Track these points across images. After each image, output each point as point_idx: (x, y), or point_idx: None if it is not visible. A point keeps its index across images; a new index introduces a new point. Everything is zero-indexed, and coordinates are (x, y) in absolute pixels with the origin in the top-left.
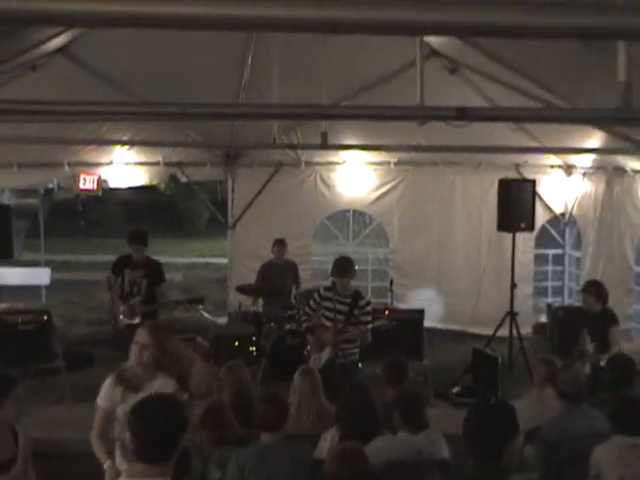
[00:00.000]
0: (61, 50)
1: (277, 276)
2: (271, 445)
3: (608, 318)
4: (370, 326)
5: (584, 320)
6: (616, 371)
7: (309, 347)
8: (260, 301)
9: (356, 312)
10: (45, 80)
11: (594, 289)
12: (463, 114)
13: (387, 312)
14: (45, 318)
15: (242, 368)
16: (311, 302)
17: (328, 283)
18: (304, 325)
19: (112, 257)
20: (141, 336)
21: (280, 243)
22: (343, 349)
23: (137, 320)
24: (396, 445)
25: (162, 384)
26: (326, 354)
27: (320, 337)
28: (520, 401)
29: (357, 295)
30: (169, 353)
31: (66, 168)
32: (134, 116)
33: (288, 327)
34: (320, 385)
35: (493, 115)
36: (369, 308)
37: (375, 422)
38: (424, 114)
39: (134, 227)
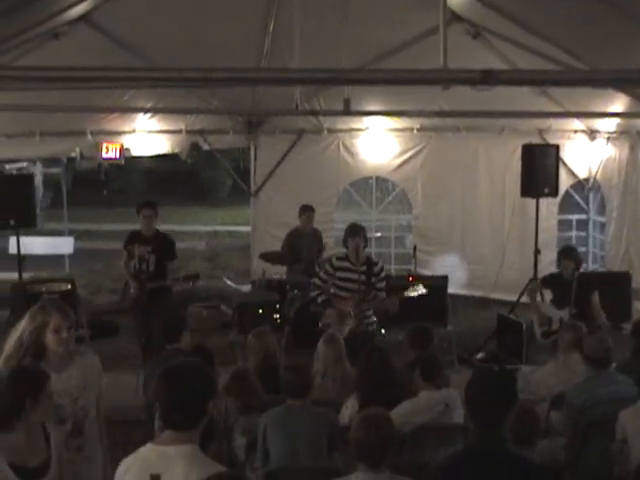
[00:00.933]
0: (83, 18)
1: (305, 243)
2: (294, 408)
3: (587, 286)
4: (384, 294)
5: (562, 286)
6: None
7: (325, 320)
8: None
9: (373, 279)
10: (67, 48)
11: (573, 254)
12: (488, 77)
13: (411, 279)
14: (69, 287)
15: (269, 335)
16: (322, 273)
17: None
18: (319, 299)
19: (135, 226)
20: (55, 319)
21: (310, 210)
22: (363, 318)
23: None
24: (422, 405)
25: (85, 361)
26: (347, 326)
27: (341, 309)
28: (545, 367)
29: (370, 262)
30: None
31: (89, 137)
32: (157, 82)
33: (312, 294)
34: (344, 352)
35: (518, 78)
36: (383, 274)
37: (395, 386)
38: (448, 77)
39: (148, 197)
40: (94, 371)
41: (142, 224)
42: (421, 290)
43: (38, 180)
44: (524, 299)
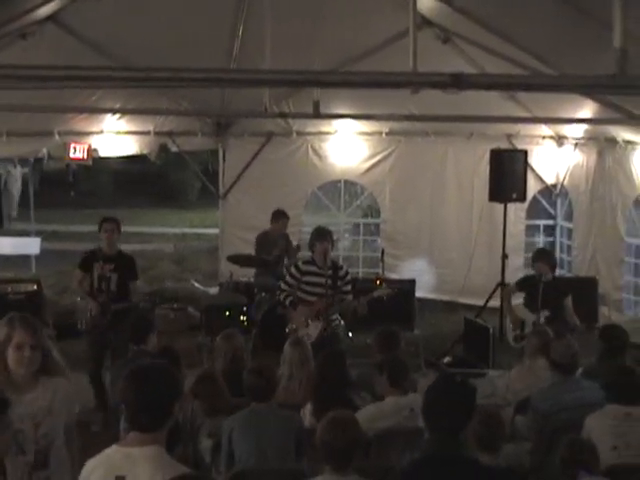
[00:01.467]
0: (51, 18)
1: (274, 246)
2: (259, 411)
3: (561, 289)
4: (350, 296)
5: (537, 289)
6: (609, 342)
7: (292, 326)
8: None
9: (339, 283)
10: (35, 48)
11: (546, 257)
12: (457, 80)
13: (379, 282)
14: (35, 287)
15: (238, 337)
16: (288, 278)
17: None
18: (287, 301)
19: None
20: (18, 335)
21: (284, 217)
22: (330, 322)
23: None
24: (388, 410)
25: (53, 383)
26: (316, 330)
27: (310, 312)
28: (511, 372)
29: (335, 266)
30: (50, 355)
31: (56, 137)
32: (126, 82)
33: (278, 296)
34: (310, 355)
35: (488, 82)
36: (349, 277)
37: (346, 388)
38: (418, 80)
39: (108, 213)
40: (63, 395)
41: (104, 239)
42: (388, 290)
43: (17, 182)
44: (492, 303)
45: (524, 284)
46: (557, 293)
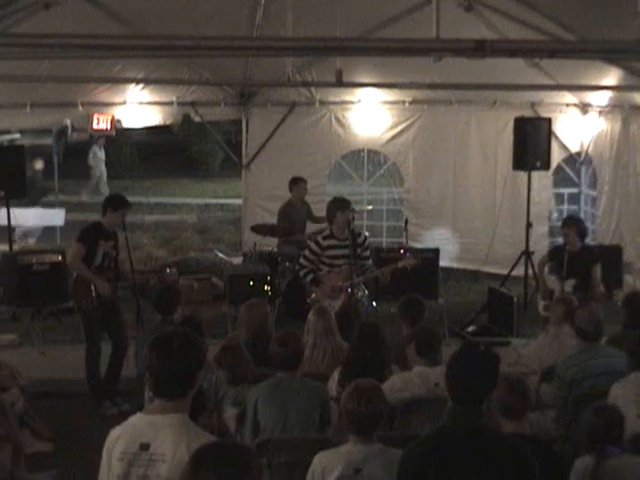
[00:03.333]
0: None
1: (298, 216)
2: (283, 380)
3: (590, 257)
4: (370, 261)
5: (563, 257)
6: (632, 310)
7: (312, 298)
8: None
9: (358, 250)
10: (58, 18)
11: (575, 225)
12: (482, 47)
13: (402, 251)
14: (59, 259)
15: (264, 306)
16: (307, 253)
17: None
18: (308, 278)
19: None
20: None
21: (303, 180)
22: (354, 292)
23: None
24: (414, 380)
25: None
26: (339, 301)
27: (333, 284)
28: (536, 340)
29: (354, 233)
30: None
31: (80, 108)
32: (148, 51)
33: (299, 272)
34: (335, 324)
35: (512, 48)
36: (367, 242)
37: (381, 365)
38: (442, 47)
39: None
40: None
41: (115, 217)
42: (413, 261)
43: (102, 162)
44: (516, 272)
45: (554, 253)
46: (586, 261)
